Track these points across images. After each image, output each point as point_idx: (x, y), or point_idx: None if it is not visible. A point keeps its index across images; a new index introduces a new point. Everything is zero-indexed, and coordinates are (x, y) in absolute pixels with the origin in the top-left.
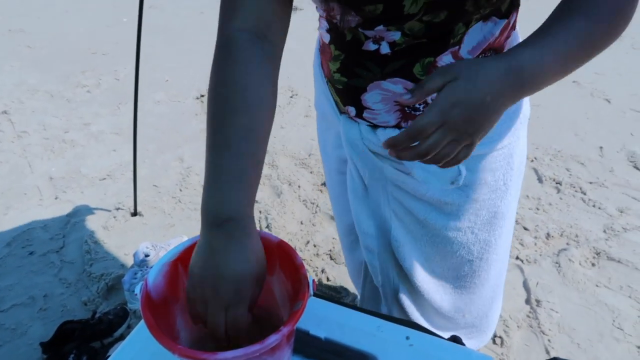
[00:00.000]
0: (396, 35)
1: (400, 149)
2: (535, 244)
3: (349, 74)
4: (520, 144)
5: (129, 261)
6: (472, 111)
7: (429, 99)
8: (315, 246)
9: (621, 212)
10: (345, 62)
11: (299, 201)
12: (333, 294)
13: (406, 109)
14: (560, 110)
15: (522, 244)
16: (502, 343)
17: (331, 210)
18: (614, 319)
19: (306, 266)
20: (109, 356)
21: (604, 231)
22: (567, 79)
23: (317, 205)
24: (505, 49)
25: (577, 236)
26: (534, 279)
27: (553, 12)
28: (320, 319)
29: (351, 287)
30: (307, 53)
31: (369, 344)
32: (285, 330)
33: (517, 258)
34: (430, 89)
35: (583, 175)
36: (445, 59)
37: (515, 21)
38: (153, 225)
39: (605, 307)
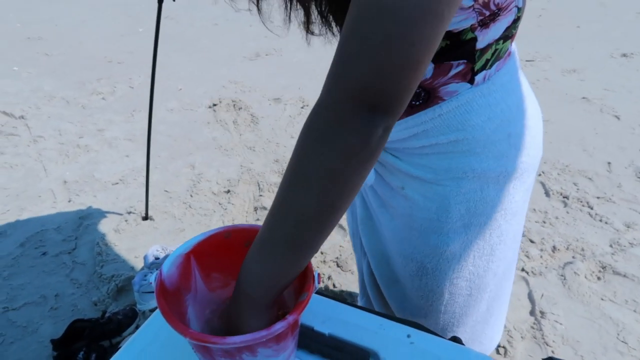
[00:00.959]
0: None
1: None
2: (541, 257)
3: None
4: (468, 198)
5: (139, 264)
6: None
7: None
8: (322, 253)
9: (628, 227)
10: None
11: None
12: (340, 301)
13: None
14: (569, 125)
15: (528, 256)
16: (505, 353)
17: None
18: (618, 332)
19: None
20: (120, 347)
21: (610, 245)
22: (576, 95)
23: None
24: (440, 94)
25: (583, 250)
26: (539, 291)
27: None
28: (324, 317)
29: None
30: (318, 64)
31: (370, 340)
32: (290, 318)
33: (523, 270)
34: None
35: (590, 190)
36: None
37: (466, 72)
38: (163, 230)
39: (610, 320)
